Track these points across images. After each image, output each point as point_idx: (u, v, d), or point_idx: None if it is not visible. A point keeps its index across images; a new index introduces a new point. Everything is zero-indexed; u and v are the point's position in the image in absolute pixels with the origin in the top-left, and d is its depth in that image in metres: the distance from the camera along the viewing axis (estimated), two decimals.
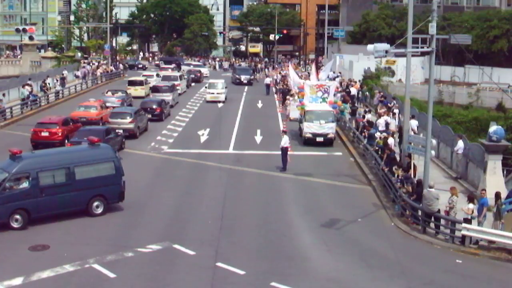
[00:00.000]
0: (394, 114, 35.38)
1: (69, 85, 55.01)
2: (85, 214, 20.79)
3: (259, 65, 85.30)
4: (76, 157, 21.16)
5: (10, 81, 50.09)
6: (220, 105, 48.65)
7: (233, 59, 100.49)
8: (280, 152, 28.34)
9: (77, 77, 61.78)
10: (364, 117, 34.79)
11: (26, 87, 45.68)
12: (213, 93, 49.57)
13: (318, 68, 50.75)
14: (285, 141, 28.22)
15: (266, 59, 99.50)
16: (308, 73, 55.11)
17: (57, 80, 53.76)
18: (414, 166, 24.38)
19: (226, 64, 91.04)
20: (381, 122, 32.73)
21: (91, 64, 69.99)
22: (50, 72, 58.09)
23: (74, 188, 20.49)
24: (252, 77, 65.32)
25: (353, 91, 48.26)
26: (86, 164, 21.00)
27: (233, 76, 66.29)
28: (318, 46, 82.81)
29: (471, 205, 19.06)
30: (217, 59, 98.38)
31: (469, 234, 18.68)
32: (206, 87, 51.89)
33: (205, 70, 75.53)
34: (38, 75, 55.42)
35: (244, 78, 63.81)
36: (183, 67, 74.23)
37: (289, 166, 28.51)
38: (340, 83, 51.61)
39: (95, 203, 21.01)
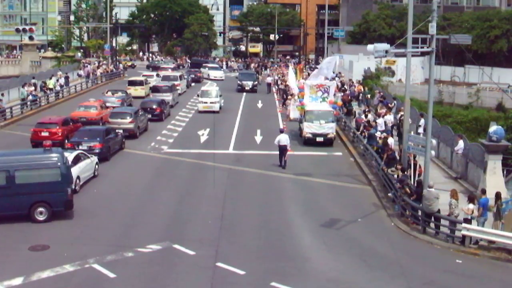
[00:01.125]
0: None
1: (72, 83, 55.64)
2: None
3: (252, 65, 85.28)
4: (17, 161, 20.48)
5: (10, 81, 50.12)
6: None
7: (233, 59, 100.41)
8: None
9: (80, 76, 62.43)
10: (366, 116, 34.78)
11: (26, 87, 45.72)
12: (206, 102, 44.20)
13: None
14: (279, 139, 28.42)
15: (272, 59, 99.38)
16: (309, 73, 55.22)
17: (57, 80, 53.82)
18: (419, 165, 24.35)
19: (235, 65, 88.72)
20: (380, 122, 32.75)
21: (91, 64, 70.21)
22: (54, 72, 58.71)
23: (14, 192, 19.90)
24: (256, 82, 58.56)
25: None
26: (27, 168, 20.29)
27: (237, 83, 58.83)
28: (318, 46, 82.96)
29: (471, 205, 19.05)
30: (217, 59, 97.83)
31: (469, 234, 18.68)
32: (198, 95, 46.39)
33: (219, 73, 70.08)
34: (38, 75, 55.59)
35: (247, 84, 57.23)
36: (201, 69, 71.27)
37: (289, 166, 28.59)
38: (341, 82, 51.65)
39: (39, 209, 20.21)
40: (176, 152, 31.48)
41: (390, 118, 34.00)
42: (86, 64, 68.00)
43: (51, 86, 50.73)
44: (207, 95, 44.71)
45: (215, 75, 69.39)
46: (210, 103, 44.04)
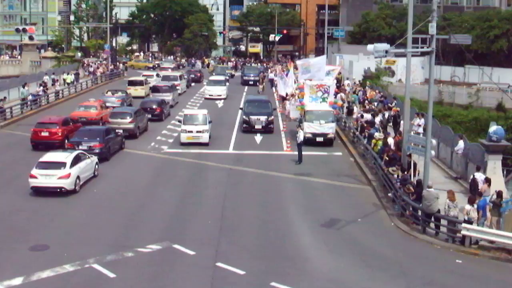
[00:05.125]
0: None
1: (81, 80, 58.87)
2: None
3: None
4: None
5: (10, 81, 50.21)
6: (220, 104, 48.51)
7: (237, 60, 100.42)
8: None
9: (90, 73, 65.75)
10: (362, 116, 34.85)
11: (26, 87, 45.82)
12: (190, 132, 32.64)
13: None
14: (299, 135, 29.78)
15: (277, 59, 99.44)
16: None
17: (57, 80, 54.46)
18: (415, 164, 24.40)
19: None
20: (377, 121, 32.87)
21: (93, 64, 71.59)
22: (68, 68, 62.50)
23: None
24: (272, 117, 37.73)
25: (348, 89, 48.32)
26: None
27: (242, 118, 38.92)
28: (318, 46, 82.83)
29: (467, 206, 19.03)
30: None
31: (469, 234, 18.68)
32: (180, 121, 34.52)
33: (217, 90, 51.48)
34: (38, 75, 55.83)
35: (257, 121, 36.74)
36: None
37: (289, 166, 28.79)
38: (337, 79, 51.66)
39: None
40: (176, 152, 31.47)
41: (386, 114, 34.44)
42: (91, 64, 70.13)
43: (68, 81, 54.99)
44: (191, 121, 33.21)
45: (211, 93, 51.02)
46: (197, 132, 32.68)
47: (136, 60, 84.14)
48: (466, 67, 61.99)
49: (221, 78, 55.65)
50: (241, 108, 40.38)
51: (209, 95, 51.11)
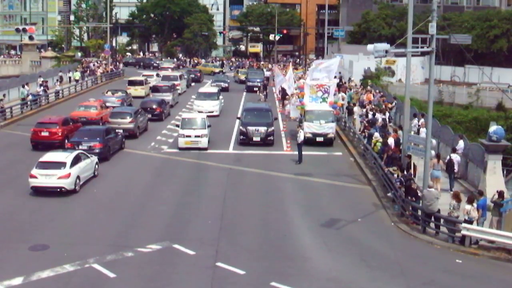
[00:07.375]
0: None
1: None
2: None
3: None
4: None
5: (10, 81, 50.24)
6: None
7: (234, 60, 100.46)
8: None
9: (89, 71, 67.29)
10: (367, 115, 34.86)
11: (26, 86, 45.86)
12: (189, 136, 31.70)
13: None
14: (299, 135, 29.84)
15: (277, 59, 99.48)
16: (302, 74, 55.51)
17: (57, 80, 54.79)
18: (414, 166, 24.44)
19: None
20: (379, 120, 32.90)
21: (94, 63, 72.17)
22: (72, 67, 65.01)
23: None
24: (273, 128, 34.03)
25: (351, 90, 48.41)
26: None
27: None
28: (318, 46, 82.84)
29: (467, 206, 19.03)
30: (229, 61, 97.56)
31: (469, 234, 18.68)
32: (177, 126, 33.55)
33: (209, 105, 42.94)
34: (37, 75, 55.96)
35: (255, 132, 33.20)
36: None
37: (289, 166, 28.80)
38: (340, 79, 51.80)
39: None
40: (176, 152, 31.47)
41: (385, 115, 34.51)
42: (93, 63, 72.37)
43: (77, 77, 56.66)
44: (190, 126, 32.11)
45: (200, 110, 41.51)
46: (195, 136, 31.68)
47: (204, 65, 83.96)
48: (466, 67, 62.06)
49: (213, 90, 47.16)
50: (238, 118, 36.39)
51: (198, 112, 39.97)
